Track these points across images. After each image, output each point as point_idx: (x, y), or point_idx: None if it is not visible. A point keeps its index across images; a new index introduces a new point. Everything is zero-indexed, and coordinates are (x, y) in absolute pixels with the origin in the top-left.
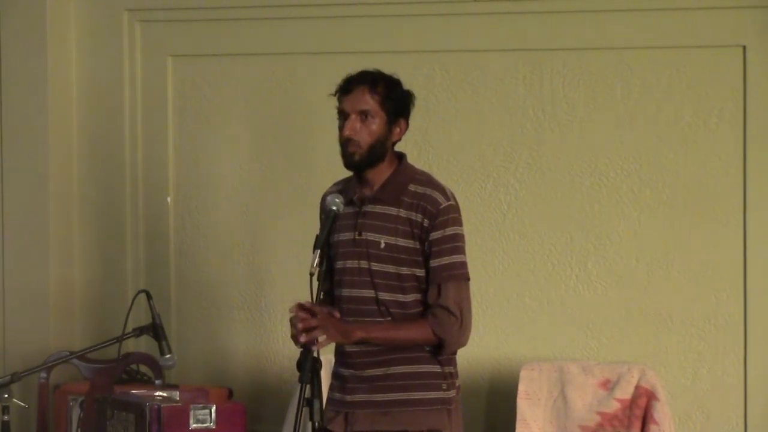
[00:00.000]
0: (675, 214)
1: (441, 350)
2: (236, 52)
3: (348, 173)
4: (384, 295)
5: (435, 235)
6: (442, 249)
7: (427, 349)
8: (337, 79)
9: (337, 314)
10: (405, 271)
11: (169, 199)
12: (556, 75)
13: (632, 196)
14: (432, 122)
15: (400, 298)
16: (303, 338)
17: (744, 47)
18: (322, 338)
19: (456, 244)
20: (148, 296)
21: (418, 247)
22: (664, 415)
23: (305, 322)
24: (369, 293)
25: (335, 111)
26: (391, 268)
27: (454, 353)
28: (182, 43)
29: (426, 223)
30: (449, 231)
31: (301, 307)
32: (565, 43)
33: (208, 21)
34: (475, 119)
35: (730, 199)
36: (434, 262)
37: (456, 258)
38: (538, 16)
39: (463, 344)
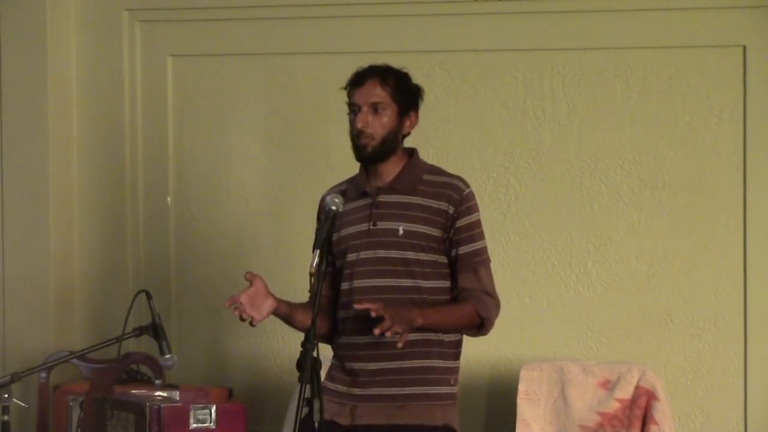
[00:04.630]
0: (675, 214)
1: (480, 330)
2: (236, 52)
3: (345, 175)
4: (404, 282)
5: (462, 222)
6: (470, 235)
7: (446, 341)
8: (337, 78)
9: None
10: (423, 257)
11: (169, 199)
12: (556, 75)
13: (632, 196)
14: (432, 122)
15: (421, 284)
16: (400, 343)
17: (744, 47)
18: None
19: (480, 229)
20: (148, 296)
21: (439, 234)
22: (664, 415)
23: (393, 329)
24: (387, 282)
25: (335, 111)
26: (410, 255)
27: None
28: (182, 43)
29: (451, 210)
30: (474, 217)
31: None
32: (565, 43)
33: (208, 21)
34: (475, 119)
35: (730, 199)
36: (465, 248)
37: (482, 243)
38: (538, 16)
39: (494, 323)
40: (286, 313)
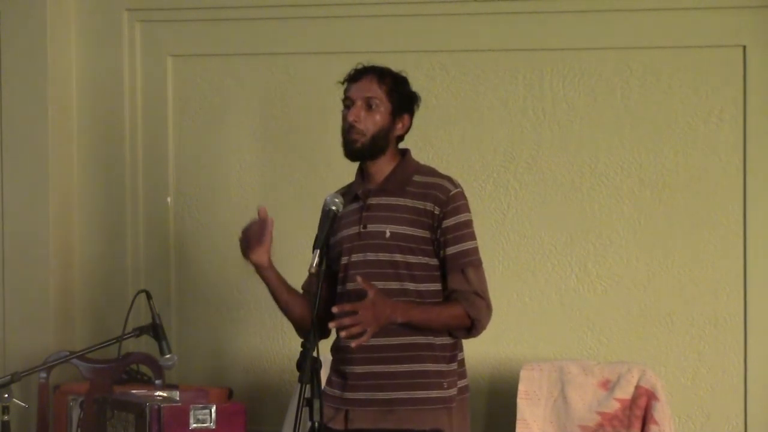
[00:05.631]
0: (675, 214)
1: (471, 332)
2: (236, 52)
3: (345, 175)
4: (393, 284)
5: (449, 222)
6: (458, 236)
7: (438, 343)
8: (337, 79)
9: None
10: (412, 259)
11: (169, 199)
12: (556, 75)
13: (632, 196)
14: (432, 122)
15: (410, 286)
16: (354, 343)
17: (744, 47)
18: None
19: (470, 230)
20: (148, 296)
21: (427, 236)
22: (664, 415)
23: (349, 331)
24: (377, 284)
25: (335, 111)
26: (398, 257)
27: (474, 336)
28: (182, 43)
29: (437, 210)
30: (462, 217)
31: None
32: (565, 43)
33: (208, 21)
34: (475, 119)
35: (730, 199)
36: (452, 249)
37: (471, 244)
38: (538, 16)
39: (486, 326)
40: (275, 284)
